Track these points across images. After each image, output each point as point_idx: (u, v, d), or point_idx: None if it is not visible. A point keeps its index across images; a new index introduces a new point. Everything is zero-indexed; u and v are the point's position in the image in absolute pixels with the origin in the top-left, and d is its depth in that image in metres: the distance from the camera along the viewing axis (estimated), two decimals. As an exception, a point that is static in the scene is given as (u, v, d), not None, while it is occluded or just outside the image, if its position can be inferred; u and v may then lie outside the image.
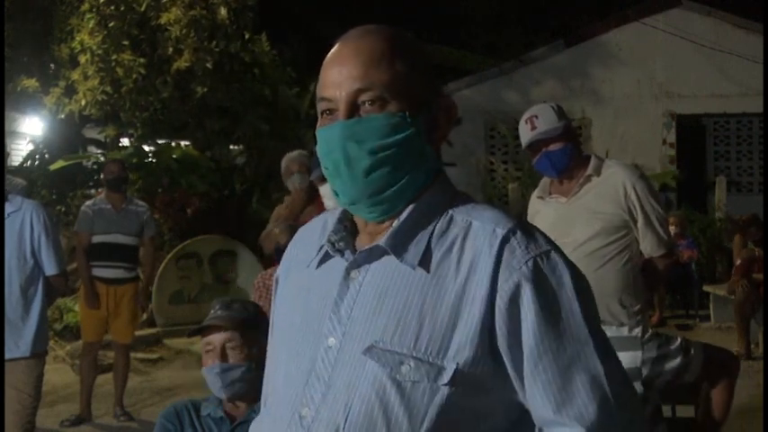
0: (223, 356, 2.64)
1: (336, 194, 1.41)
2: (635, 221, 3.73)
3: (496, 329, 1.31)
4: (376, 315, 1.34)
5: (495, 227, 1.35)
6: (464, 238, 1.36)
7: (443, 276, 1.34)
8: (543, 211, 3.92)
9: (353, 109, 1.36)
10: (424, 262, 1.35)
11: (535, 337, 1.30)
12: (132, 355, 6.96)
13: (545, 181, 3.98)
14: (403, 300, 1.34)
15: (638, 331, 2.83)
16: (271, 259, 5.23)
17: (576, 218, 3.74)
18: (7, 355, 4.26)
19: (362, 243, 1.43)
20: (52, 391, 6.95)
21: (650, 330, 2.91)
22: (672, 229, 6.73)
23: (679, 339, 2.95)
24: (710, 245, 11.14)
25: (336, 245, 1.43)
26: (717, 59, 12.27)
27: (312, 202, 4.64)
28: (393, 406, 1.30)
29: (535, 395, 1.31)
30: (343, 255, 1.42)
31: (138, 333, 7.55)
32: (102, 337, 6.63)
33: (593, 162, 3.83)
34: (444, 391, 1.30)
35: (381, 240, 1.37)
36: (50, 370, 6.79)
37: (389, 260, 1.37)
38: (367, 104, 1.35)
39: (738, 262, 8.83)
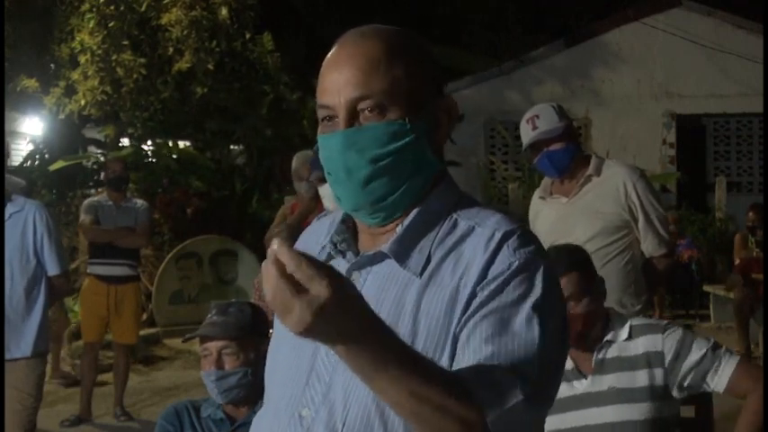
0: (219, 363, 2.61)
1: (339, 200, 1.40)
2: (635, 221, 3.73)
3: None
4: None
5: (495, 230, 1.33)
6: (464, 242, 1.35)
7: (441, 279, 1.33)
8: (544, 211, 3.92)
9: (353, 117, 1.33)
10: (425, 268, 1.34)
11: (479, 341, 1.27)
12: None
13: (546, 181, 3.97)
14: (400, 303, 1.33)
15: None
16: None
17: (576, 218, 3.74)
18: (8, 355, 4.25)
19: (364, 243, 1.42)
20: (52, 392, 6.94)
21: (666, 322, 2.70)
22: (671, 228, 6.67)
23: (711, 339, 2.60)
24: (710, 245, 11.13)
25: (338, 245, 1.42)
26: (717, 59, 12.26)
27: (317, 207, 4.60)
28: (389, 409, 1.28)
29: None
30: (344, 256, 1.41)
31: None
32: (103, 337, 6.63)
33: (593, 162, 3.83)
34: None
35: (384, 247, 1.36)
36: (51, 370, 6.79)
37: (391, 263, 1.36)
38: (366, 112, 1.33)
39: (738, 262, 8.82)
